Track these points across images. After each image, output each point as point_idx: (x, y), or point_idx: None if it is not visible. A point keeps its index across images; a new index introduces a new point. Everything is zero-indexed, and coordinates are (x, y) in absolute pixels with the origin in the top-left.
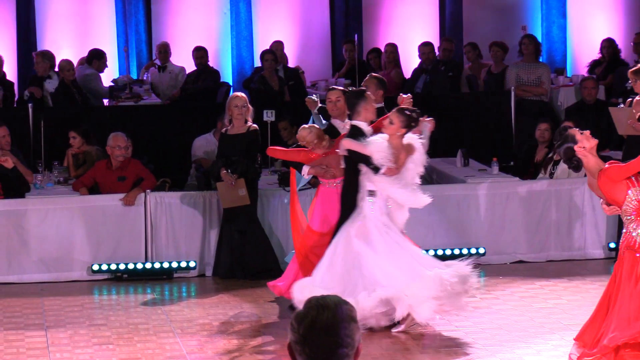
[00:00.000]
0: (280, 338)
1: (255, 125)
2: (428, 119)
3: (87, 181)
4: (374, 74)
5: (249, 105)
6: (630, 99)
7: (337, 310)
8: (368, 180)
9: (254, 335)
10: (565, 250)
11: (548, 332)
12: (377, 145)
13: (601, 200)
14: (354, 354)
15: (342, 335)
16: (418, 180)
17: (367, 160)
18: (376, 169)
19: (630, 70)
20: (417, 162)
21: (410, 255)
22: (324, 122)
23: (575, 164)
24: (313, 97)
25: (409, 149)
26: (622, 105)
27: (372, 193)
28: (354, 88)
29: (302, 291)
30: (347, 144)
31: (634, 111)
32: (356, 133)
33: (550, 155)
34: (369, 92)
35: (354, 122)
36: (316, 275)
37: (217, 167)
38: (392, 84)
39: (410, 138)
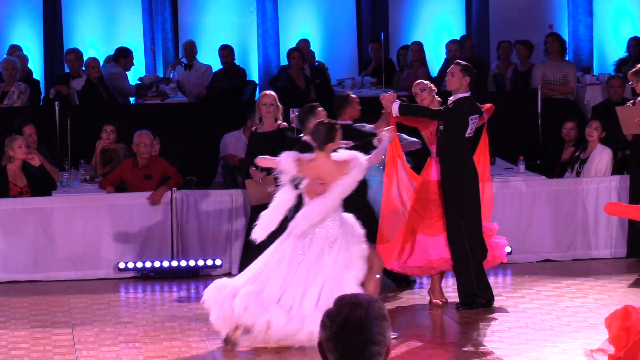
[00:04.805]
0: None
1: (285, 123)
2: (387, 128)
3: (114, 179)
4: (459, 60)
5: (279, 104)
6: (632, 100)
7: (369, 308)
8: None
9: None
10: (592, 249)
11: (574, 330)
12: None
13: None
14: (385, 351)
15: (375, 333)
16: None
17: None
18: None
19: (630, 72)
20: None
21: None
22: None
23: None
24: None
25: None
26: (629, 104)
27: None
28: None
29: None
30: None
31: None
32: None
33: (576, 154)
34: (319, 108)
35: (305, 138)
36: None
37: (246, 165)
38: None
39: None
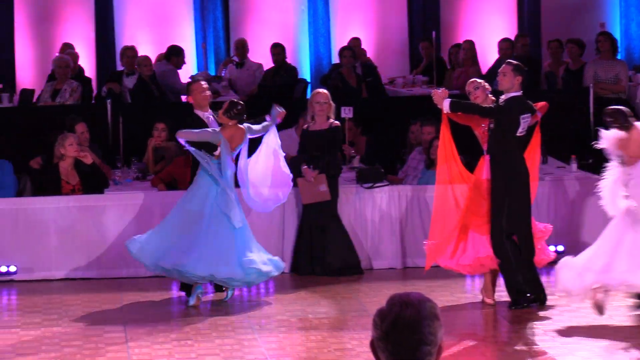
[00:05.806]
0: (359, 334)
1: (337, 122)
2: None
3: (165, 177)
4: (510, 60)
5: (331, 102)
6: None
7: (420, 308)
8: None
9: (332, 332)
10: None
11: (628, 329)
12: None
13: None
14: (436, 351)
15: (425, 333)
16: None
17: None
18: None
19: None
20: None
21: None
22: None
23: None
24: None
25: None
26: None
27: None
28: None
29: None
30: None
31: None
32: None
33: None
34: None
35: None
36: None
37: (298, 163)
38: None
39: None
